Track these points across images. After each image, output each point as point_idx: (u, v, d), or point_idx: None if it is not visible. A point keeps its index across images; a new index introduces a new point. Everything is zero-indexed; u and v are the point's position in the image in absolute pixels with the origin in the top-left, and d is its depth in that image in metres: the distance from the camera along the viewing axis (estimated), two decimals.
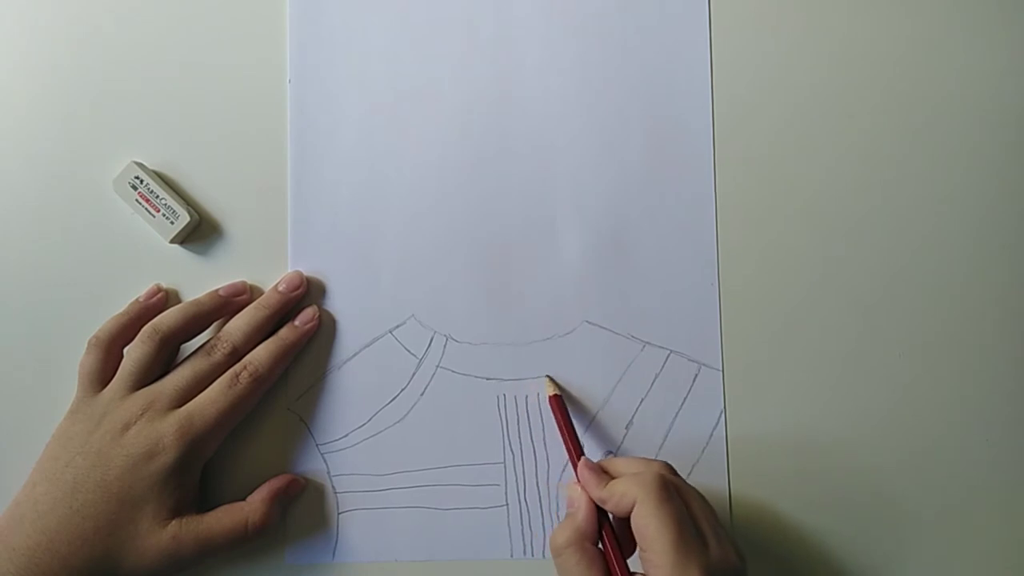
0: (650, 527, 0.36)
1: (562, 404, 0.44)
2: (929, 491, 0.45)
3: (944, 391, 0.46)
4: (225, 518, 0.42)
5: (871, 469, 0.45)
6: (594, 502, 0.39)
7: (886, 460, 0.45)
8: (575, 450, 0.42)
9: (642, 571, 0.37)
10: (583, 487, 0.39)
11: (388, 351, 0.46)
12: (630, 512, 0.37)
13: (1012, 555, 0.45)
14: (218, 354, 0.43)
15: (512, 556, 0.45)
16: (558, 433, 0.43)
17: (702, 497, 0.39)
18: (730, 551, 0.37)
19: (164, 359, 0.44)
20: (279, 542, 0.45)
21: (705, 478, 0.45)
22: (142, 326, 0.43)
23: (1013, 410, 0.46)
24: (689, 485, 0.39)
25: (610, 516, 0.39)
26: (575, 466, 0.41)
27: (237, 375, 0.43)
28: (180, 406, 0.42)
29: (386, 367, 0.46)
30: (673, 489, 0.37)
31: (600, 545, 0.38)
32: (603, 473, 0.40)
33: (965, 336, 0.46)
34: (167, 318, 0.43)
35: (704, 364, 0.46)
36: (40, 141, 0.47)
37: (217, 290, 0.45)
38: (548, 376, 0.45)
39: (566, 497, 0.41)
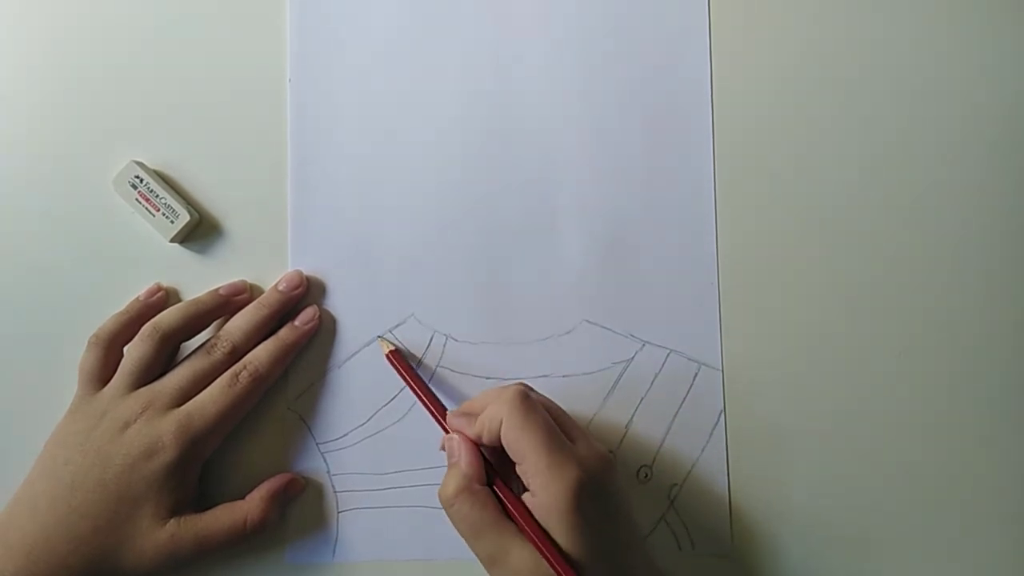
0: (520, 439, 0.37)
1: (404, 360, 0.44)
2: (930, 490, 0.45)
3: (944, 390, 0.46)
4: (224, 517, 0.42)
5: (871, 469, 0.45)
6: (474, 444, 0.39)
7: (886, 460, 0.45)
8: (435, 405, 0.42)
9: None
10: (459, 433, 0.40)
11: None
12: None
13: (1012, 554, 0.45)
14: (218, 353, 0.43)
15: None
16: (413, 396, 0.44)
17: (559, 407, 0.41)
18: (597, 445, 0.39)
19: (164, 358, 0.44)
20: (279, 541, 0.45)
21: (705, 477, 0.45)
22: (142, 325, 0.43)
23: (1014, 410, 0.46)
24: (546, 397, 0.42)
25: (488, 458, 0.40)
26: (440, 422, 0.42)
27: (237, 374, 0.43)
28: (180, 405, 0.42)
29: (386, 366, 0.46)
30: (533, 400, 0.38)
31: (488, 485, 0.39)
32: (471, 415, 0.40)
33: (966, 336, 0.46)
34: (167, 317, 0.43)
35: (704, 364, 0.46)
36: (40, 141, 0.47)
37: (217, 289, 0.45)
38: (379, 336, 0.46)
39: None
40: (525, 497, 0.37)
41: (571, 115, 0.47)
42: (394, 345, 0.45)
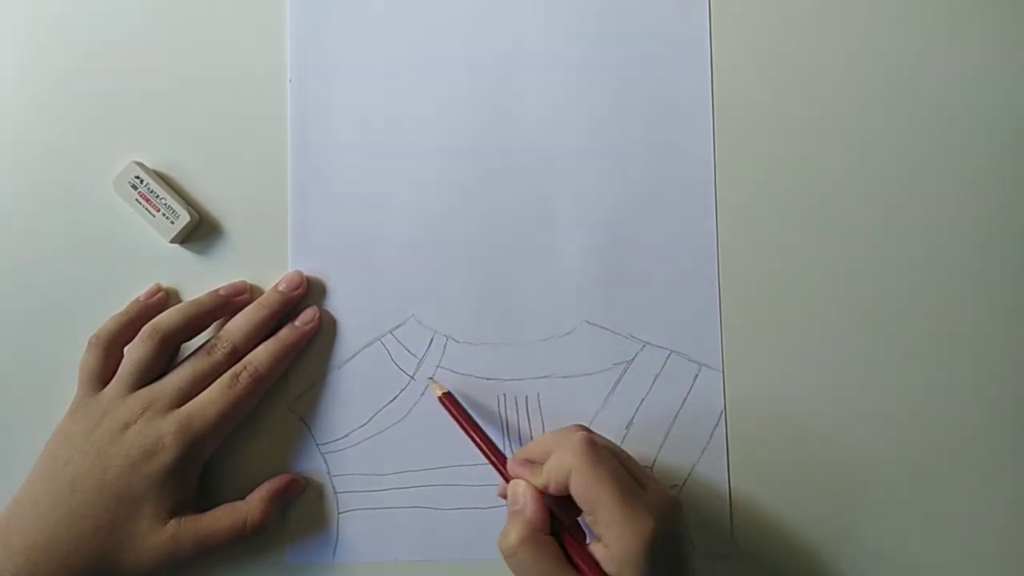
0: (592, 489, 0.36)
1: (458, 403, 0.43)
2: (931, 491, 0.45)
3: (945, 391, 0.46)
4: (224, 517, 0.42)
5: (873, 469, 0.45)
6: (539, 492, 0.38)
7: (888, 460, 0.45)
8: (494, 451, 0.41)
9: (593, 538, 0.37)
10: (525, 481, 0.39)
11: (389, 351, 0.46)
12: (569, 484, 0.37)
13: (1012, 554, 0.45)
14: (218, 354, 0.43)
15: None
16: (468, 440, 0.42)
17: (625, 452, 0.40)
18: (666, 489, 0.38)
19: (164, 359, 0.44)
20: (279, 542, 0.45)
21: (705, 478, 0.45)
22: (142, 325, 0.43)
23: (1015, 411, 0.46)
24: (611, 441, 0.40)
25: (551, 502, 0.39)
26: (498, 467, 0.40)
27: (237, 375, 0.43)
28: (180, 406, 0.42)
29: (386, 367, 0.46)
30: (601, 447, 0.38)
31: (552, 534, 0.38)
32: (532, 463, 0.39)
33: (967, 336, 0.46)
34: (167, 317, 0.43)
35: (704, 364, 0.46)
36: (41, 141, 0.47)
37: (217, 290, 0.45)
38: (430, 378, 0.45)
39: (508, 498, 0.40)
40: (595, 547, 0.37)
41: (571, 115, 0.47)
42: (446, 388, 0.44)
